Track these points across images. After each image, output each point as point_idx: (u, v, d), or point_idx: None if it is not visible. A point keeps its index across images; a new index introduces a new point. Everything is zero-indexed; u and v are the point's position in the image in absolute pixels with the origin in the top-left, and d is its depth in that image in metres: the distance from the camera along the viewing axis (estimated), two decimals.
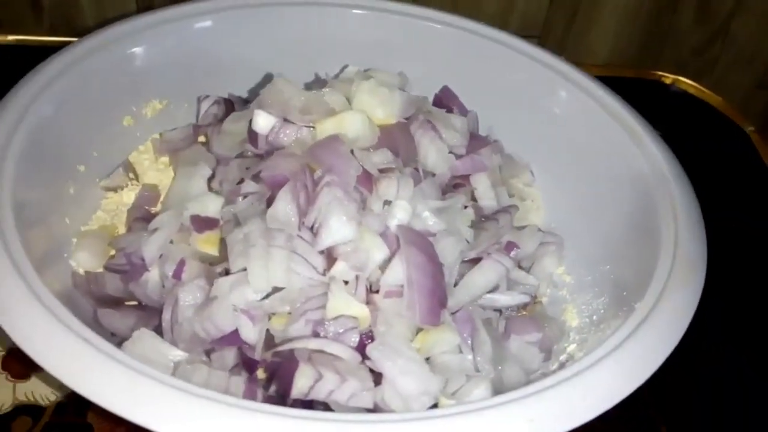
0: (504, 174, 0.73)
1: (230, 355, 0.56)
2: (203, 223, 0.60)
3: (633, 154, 0.67)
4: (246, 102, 0.75)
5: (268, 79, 0.76)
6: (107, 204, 0.69)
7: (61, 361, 0.47)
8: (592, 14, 1.02)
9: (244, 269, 0.55)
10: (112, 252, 0.65)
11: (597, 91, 0.73)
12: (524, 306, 0.65)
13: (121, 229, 0.68)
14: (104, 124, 0.70)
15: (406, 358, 0.53)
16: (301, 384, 0.51)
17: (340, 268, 0.56)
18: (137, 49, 0.71)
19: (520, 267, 0.67)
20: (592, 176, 0.71)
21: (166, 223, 0.61)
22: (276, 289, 0.56)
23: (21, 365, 0.64)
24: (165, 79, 0.74)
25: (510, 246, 0.66)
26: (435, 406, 0.53)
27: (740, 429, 0.66)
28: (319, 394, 0.51)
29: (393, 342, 0.53)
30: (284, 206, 0.56)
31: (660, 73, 1.01)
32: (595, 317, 0.63)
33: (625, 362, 0.51)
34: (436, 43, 0.78)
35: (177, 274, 0.58)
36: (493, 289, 0.62)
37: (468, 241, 0.62)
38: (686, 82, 1.00)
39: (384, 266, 0.57)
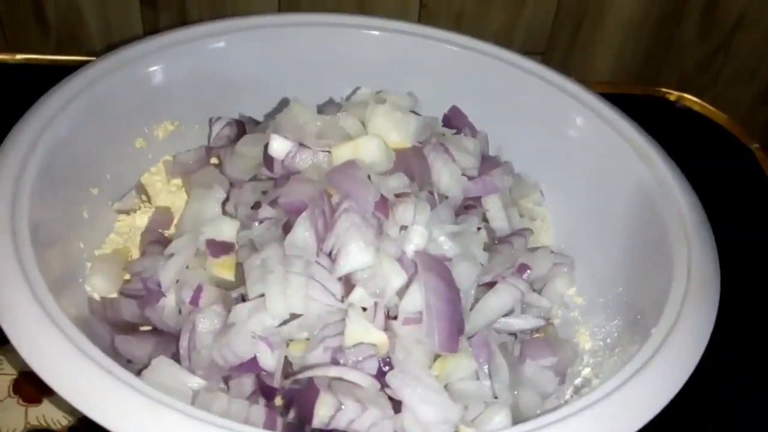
0: (514, 194, 0.73)
1: (248, 383, 0.56)
2: (219, 248, 0.60)
3: (642, 174, 0.67)
4: (257, 123, 0.76)
5: (280, 101, 0.77)
6: (120, 227, 0.69)
7: (83, 392, 0.47)
8: (596, 30, 1.02)
9: (262, 295, 0.55)
10: (127, 276, 0.65)
11: (605, 111, 0.73)
12: (537, 328, 0.65)
13: (135, 252, 0.68)
14: (117, 146, 0.70)
15: (425, 386, 0.53)
16: (323, 413, 0.51)
17: (358, 295, 0.56)
18: (150, 70, 0.71)
19: (532, 289, 0.67)
20: (601, 196, 0.71)
21: (183, 248, 0.61)
22: (294, 316, 0.55)
23: (33, 389, 0.63)
24: (177, 100, 0.74)
25: (523, 268, 0.66)
26: None
27: None
28: (339, 423, 0.51)
29: (412, 369, 0.53)
30: (303, 232, 0.56)
31: (664, 89, 1.02)
32: (609, 340, 0.63)
33: (643, 390, 0.51)
34: (444, 62, 0.78)
35: (194, 301, 0.58)
36: (508, 313, 0.63)
37: (482, 264, 0.62)
38: (691, 99, 1.00)
39: (401, 292, 0.57)
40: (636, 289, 0.64)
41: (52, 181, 0.61)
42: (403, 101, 0.69)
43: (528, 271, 0.66)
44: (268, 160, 0.64)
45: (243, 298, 0.58)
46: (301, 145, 0.63)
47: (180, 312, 0.60)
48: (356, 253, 0.55)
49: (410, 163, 0.64)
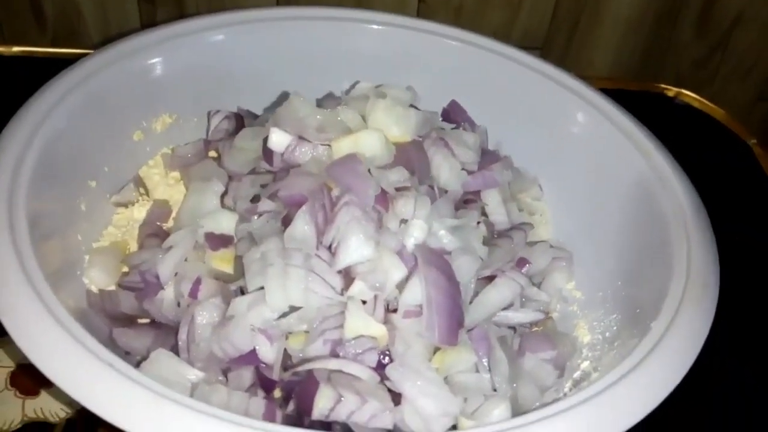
0: (513, 189, 0.73)
1: (247, 375, 0.56)
2: (218, 241, 0.60)
3: (641, 168, 0.67)
4: (256, 116, 0.75)
5: (279, 95, 0.77)
6: (118, 220, 0.69)
7: (82, 384, 0.47)
8: (594, 27, 1.02)
9: (261, 288, 0.55)
10: (125, 269, 0.65)
11: (604, 106, 0.73)
12: (536, 322, 0.65)
13: (133, 245, 0.68)
14: (115, 139, 0.70)
15: (425, 379, 0.53)
16: (322, 405, 0.51)
17: (358, 288, 0.56)
18: (148, 63, 0.71)
19: (531, 283, 0.67)
20: (600, 191, 0.71)
21: (181, 241, 0.61)
22: (293, 309, 0.55)
23: (30, 381, 0.63)
24: (175, 93, 0.73)
25: (522, 262, 0.66)
26: (454, 427, 0.54)
27: None
28: (339, 415, 0.51)
29: (412, 362, 0.53)
30: (303, 226, 0.56)
31: (663, 86, 1.02)
32: (608, 334, 0.63)
33: (642, 384, 0.51)
34: (443, 57, 0.78)
35: (193, 293, 0.58)
36: (507, 306, 0.63)
37: (482, 259, 0.62)
38: (689, 95, 1.01)
39: (401, 285, 0.57)
40: (635, 284, 0.64)
41: (49, 174, 0.61)
42: (403, 95, 0.69)
43: (527, 265, 0.66)
44: (267, 154, 0.64)
45: (242, 291, 0.58)
46: (301, 138, 0.63)
47: (179, 304, 0.59)
48: (356, 247, 0.55)
49: (410, 157, 0.64)
